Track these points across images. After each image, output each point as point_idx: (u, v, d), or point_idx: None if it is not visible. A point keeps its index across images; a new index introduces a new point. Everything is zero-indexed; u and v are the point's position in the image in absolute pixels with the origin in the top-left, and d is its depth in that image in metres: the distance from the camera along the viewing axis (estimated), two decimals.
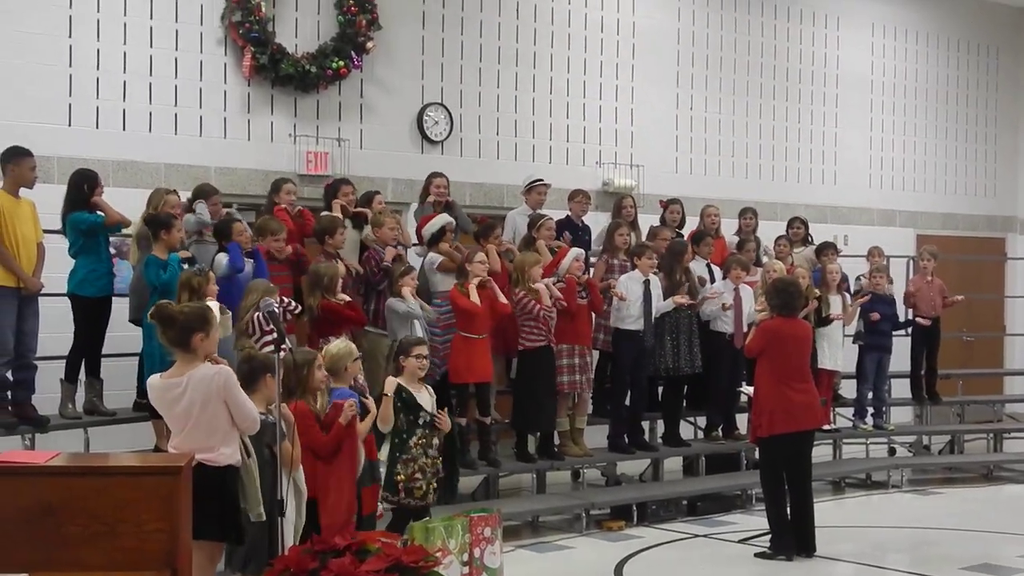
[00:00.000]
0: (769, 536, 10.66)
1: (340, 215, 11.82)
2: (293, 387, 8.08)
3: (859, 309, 14.57)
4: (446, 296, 11.71)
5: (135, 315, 10.62)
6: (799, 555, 10.40)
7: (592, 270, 13.17)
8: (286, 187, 11.88)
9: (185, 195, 11.46)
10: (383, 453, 9.22)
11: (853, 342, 15.03)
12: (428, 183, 12.70)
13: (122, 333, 10.94)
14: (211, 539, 6.89)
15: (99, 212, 10.52)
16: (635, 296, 12.54)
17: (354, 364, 9.03)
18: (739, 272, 13.33)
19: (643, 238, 13.74)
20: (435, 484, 9.32)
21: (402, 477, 9.16)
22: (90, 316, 10.53)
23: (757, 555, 10.61)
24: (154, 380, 7.08)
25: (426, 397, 9.31)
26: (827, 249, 14.71)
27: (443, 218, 12.15)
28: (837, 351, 14.20)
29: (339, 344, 9.16)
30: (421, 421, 9.20)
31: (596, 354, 13.04)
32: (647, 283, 12.61)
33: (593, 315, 12.79)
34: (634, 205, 14.09)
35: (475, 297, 11.25)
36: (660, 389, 13.59)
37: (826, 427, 14.39)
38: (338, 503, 8.35)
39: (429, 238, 12.11)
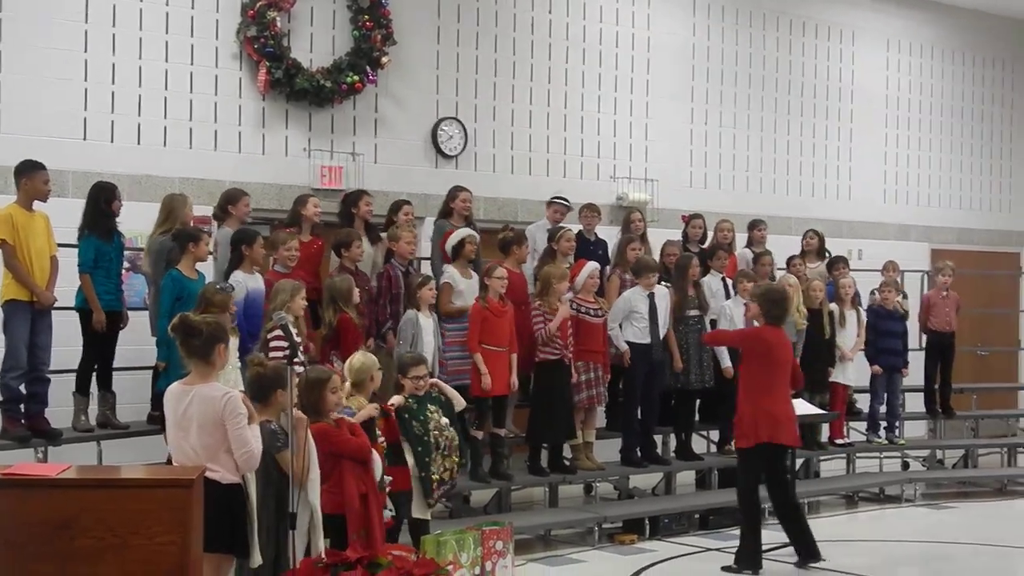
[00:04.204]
0: (741, 551, 10.53)
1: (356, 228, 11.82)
2: (306, 407, 8.02)
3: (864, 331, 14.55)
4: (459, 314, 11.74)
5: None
6: (808, 563, 10.44)
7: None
8: (312, 200, 11.79)
9: (201, 209, 11.56)
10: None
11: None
12: (451, 197, 12.70)
13: (136, 347, 10.98)
14: (220, 552, 6.89)
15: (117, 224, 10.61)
16: (641, 310, 12.56)
17: (377, 374, 9.05)
18: (747, 285, 13.32)
19: (654, 252, 13.71)
20: (457, 459, 9.60)
21: (436, 477, 9.27)
22: (100, 330, 10.52)
23: (724, 568, 10.52)
24: (173, 386, 7.08)
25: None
26: (838, 263, 14.73)
27: (463, 231, 12.08)
28: (848, 365, 14.19)
29: (359, 357, 9.16)
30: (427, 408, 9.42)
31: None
32: (652, 296, 12.61)
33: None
34: (643, 219, 14.06)
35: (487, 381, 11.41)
36: (672, 403, 13.55)
37: (839, 441, 14.47)
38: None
39: (450, 252, 12.04)
